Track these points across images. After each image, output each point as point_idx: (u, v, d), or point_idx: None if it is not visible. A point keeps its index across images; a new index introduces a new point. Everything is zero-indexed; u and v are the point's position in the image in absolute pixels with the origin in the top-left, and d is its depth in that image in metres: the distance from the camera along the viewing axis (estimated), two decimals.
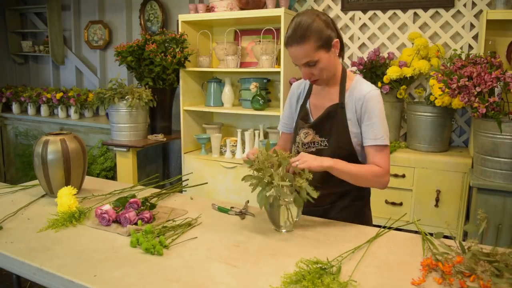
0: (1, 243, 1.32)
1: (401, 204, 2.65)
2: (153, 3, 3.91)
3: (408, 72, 2.67)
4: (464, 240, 1.20)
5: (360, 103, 1.45)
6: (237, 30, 3.32)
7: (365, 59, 2.86)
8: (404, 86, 2.74)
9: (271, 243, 1.35)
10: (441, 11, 2.82)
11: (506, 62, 2.59)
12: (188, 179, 2.09)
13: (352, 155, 1.50)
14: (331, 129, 1.50)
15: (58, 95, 3.96)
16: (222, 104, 3.28)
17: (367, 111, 1.44)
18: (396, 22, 2.96)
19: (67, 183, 1.75)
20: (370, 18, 3.03)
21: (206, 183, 2.21)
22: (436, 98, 2.43)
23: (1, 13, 4.65)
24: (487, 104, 2.03)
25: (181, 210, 1.63)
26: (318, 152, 1.44)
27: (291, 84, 2.93)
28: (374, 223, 1.67)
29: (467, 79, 2.09)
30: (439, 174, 2.52)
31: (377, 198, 2.46)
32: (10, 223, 1.49)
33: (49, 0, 4.27)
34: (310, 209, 1.48)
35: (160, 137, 3.32)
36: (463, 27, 2.78)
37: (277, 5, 2.97)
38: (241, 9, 3.02)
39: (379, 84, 2.78)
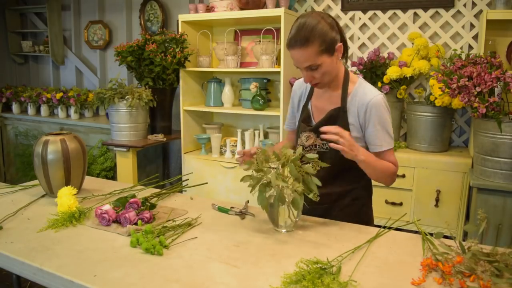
0: (1, 243, 1.32)
1: (401, 204, 2.65)
2: (153, 3, 3.91)
3: (408, 72, 2.68)
4: (464, 240, 1.20)
5: (363, 109, 1.43)
6: (237, 30, 3.32)
7: (365, 59, 2.86)
8: (404, 86, 2.74)
9: (271, 243, 1.35)
10: (441, 11, 2.82)
11: (506, 62, 2.59)
12: (188, 179, 2.09)
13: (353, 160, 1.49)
14: None
15: (58, 95, 3.96)
16: (222, 104, 3.28)
17: (371, 119, 1.43)
18: (396, 22, 2.96)
19: (67, 183, 1.75)
20: (370, 18, 3.03)
21: (206, 183, 2.21)
22: (436, 98, 2.43)
23: (1, 13, 4.65)
24: (487, 104, 2.03)
25: (181, 210, 1.63)
26: (320, 155, 1.41)
27: (291, 84, 2.93)
28: (374, 223, 1.68)
29: (467, 79, 2.09)
30: (439, 174, 2.52)
31: (377, 198, 2.45)
32: (10, 223, 1.49)
33: (49, 0, 4.27)
34: (313, 206, 1.47)
35: (160, 137, 3.32)
36: (463, 27, 2.78)
37: (277, 5, 2.97)
38: (241, 9, 3.02)
39: (379, 84, 2.78)
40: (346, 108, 1.47)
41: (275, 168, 1.38)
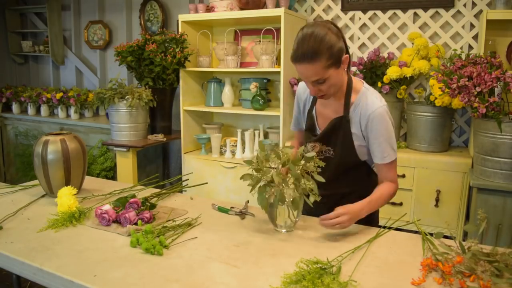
0: (1, 243, 1.32)
1: (401, 204, 2.65)
2: (153, 3, 3.91)
3: (408, 72, 2.67)
4: (464, 240, 1.20)
5: (365, 121, 1.44)
6: (237, 30, 3.32)
7: (365, 59, 2.86)
8: (404, 86, 2.74)
9: (271, 243, 1.35)
10: (441, 11, 2.82)
11: (506, 62, 2.59)
12: (188, 179, 2.09)
13: (358, 163, 1.55)
14: (336, 141, 1.52)
15: (58, 95, 3.95)
16: (222, 104, 3.28)
17: (373, 131, 1.43)
18: (396, 22, 2.96)
19: (67, 183, 1.75)
20: (370, 18, 3.03)
21: (206, 183, 2.21)
22: (436, 98, 2.43)
23: (1, 13, 4.65)
24: (487, 104, 2.03)
25: (181, 210, 1.63)
26: (326, 161, 1.42)
27: (291, 84, 2.93)
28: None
29: (467, 79, 2.09)
30: (439, 174, 2.52)
31: None
32: (10, 223, 1.49)
33: (49, 0, 4.27)
34: (317, 205, 1.45)
35: (160, 137, 3.32)
36: (463, 27, 2.78)
37: (277, 5, 2.97)
38: (241, 9, 3.02)
39: (379, 84, 2.78)
40: (349, 117, 1.48)
41: (275, 168, 1.38)
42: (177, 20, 3.23)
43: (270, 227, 1.47)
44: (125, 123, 3.19)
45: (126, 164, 3.21)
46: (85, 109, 4.09)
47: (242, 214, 1.60)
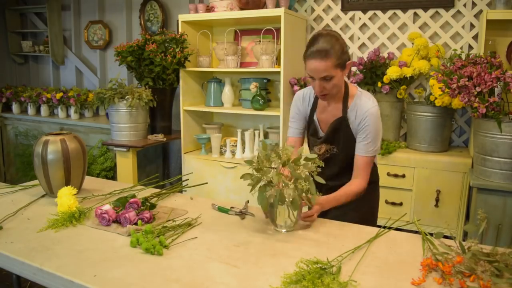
0: (1, 243, 1.32)
1: (401, 204, 2.65)
2: (153, 3, 3.91)
3: (408, 72, 2.67)
4: (464, 240, 1.20)
5: (359, 120, 1.61)
6: (237, 30, 3.32)
7: (365, 59, 2.86)
8: (404, 86, 2.74)
9: (271, 243, 1.35)
10: (441, 11, 2.82)
11: (506, 62, 2.59)
12: (188, 179, 2.09)
13: None
14: (339, 139, 1.67)
15: (58, 95, 3.95)
16: (222, 104, 3.28)
17: (364, 128, 1.60)
18: (396, 22, 2.96)
19: (67, 183, 1.75)
20: (370, 18, 3.03)
21: (206, 183, 2.21)
22: (436, 98, 2.43)
23: (1, 13, 4.65)
24: (487, 104, 2.03)
25: (181, 210, 1.63)
26: (332, 157, 1.62)
27: (291, 84, 2.93)
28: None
29: (467, 79, 2.09)
30: (439, 174, 2.52)
31: None
32: (10, 223, 1.49)
33: (49, 0, 4.27)
34: (327, 193, 1.58)
35: (160, 137, 3.32)
36: (463, 27, 2.78)
37: (277, 5, 2.97)
38: (241, 9, 3.02)
39: (379, 84, 2.78)
40: (347, 117, 1.64)
41: (275, 168, 1.38)
42: (177, 20, 3.23)
43: (270, 227, 1.47)
44: (125, 123, 3.19)
45: (126, 164, 3.21)
46: (85, 109, 4.09)
47: (242, 214, 1.60)
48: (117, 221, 1.48)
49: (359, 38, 3.10)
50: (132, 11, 4.14)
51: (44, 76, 4.91)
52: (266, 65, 2.93)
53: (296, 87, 2.90)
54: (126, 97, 3.11)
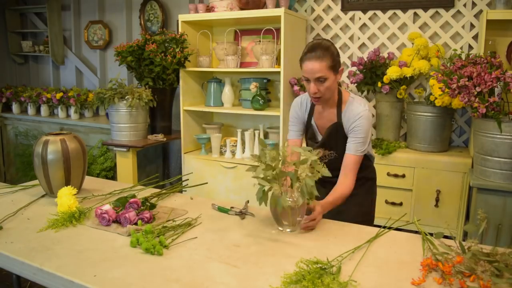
0: (1, 243, 1.32)
1: (401, 204, 2.65)
2: (153, 3, 3.91)
3: (408, 72, 2.67)
4: (464, 240, 1.20)
5: (351, 122, 1.70)
6: (237, 30, 3.32)
7: (365, 59, 2.86)
8: (404, 86, 2.74)
9: (271, 243, 1.35)
10: (441, 11, 2.82)
11: (506, 62, 2.59)
12: (188, 179, 2.10)
13: None
14: (336, 143, 1.75)
15: (58, 95, 3.95)
16: (222, 104, 3.28)
17: (355, 130, 1.69)
18: (396, 22, 2.96)
19: (67, 183, 1.75)
20: (370, 18, 3.03)
21: (206, 183, 2.21)
22: (436, 98, 2.43)
23: (1, 13, 4.65)
24: (487, 104, 2.03)
25: (181, 210, 1.63)
26: (332, 162, 1.68)
27: (291, 84, 2.93)
28: (374, 223, 1.82)
29: (467, 79, 2.09)
30: (439, 174, 2.52)
31: (377, 198, 2.46)
32: (10, 223, 1.49)
33: (49, 0, 4.27)
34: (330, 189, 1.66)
35: (160, 137, 3.32)
36: (463, 27, 2.78)
37: (277, 5, 2.97)
38: (241, 9, 3.02)
39: (379, 84, 2.78)
40: (342, 122, 1.73)
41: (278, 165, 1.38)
42: (177, 20, 3.23)
43: (270, 227, 1.47)
44: (125, 123, 3.19)
45: (126, 164, 3.21)
46: (85, 109, 4.09)
47: (242, 214, 1.60)
48: (117, 221, 1.48)
49: (359, 38, 3.10)
50: (132, 11, 4.13)
51: (44, 76, 4.91)
52: (266, 65, 2.93)
53: (296, 87, 2.90)
54: (126, 97, 3.11)
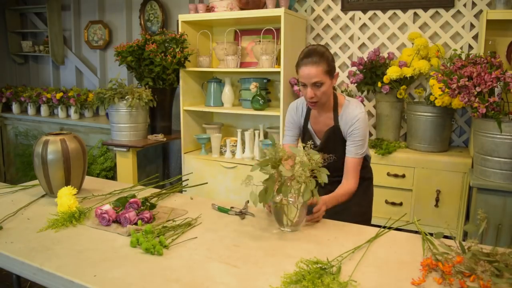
0: (1, 243, 1.32)
1: (401, 204, 2.65)
2: (153, 3, 3.91)
3: (408, 72, 2.67)
4: (464, 240, 1.20)
5: (349, 125, 1.72)
6: (237, 30, 3.32)
7: (365, 59, 2.86)
8: (404, 86, 2.74)
9: (271, 243, 1.35)
10: (441, 11, 2.82)
11: (506, 62, 2.59)
12: (188, 179, 2.10)
13: None
14: (335, 147, 1.75)
15: (58, 95, 3.95)
16: (222, 104, 3.28)
17: (353, 133, 1.71)
18: (396, 22, 2.96)
19: (67, 183, 1.75)
20: (370, 18, 3.03)
21: (206, 183, 2.21)
22: (436, 98, 2.43)
23: (1, 13, 4.65)
24: (487, 104, 2.03)
25: (181, 210, 1.63)
26: (332, 165, 1.67)
27: (291, 84, 2.93)
28: (374, 223, 1.81)
29: (467, 79, 2.09)
30: (439, 174, 2.52)
31: (377, 198, 2.45)
32: (10, 223, 1.49)
33: (49, 0, 4.27)
34: (330, 189, 1.68)
35: (160, 137, 3.32)
36: (463, 27, 2.78)
37: (277, 5, 2.97)
38: (241, 9, 3.02)
39: (379, 84, 2.78)
40: (339, 125, 1.75)
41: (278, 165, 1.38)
42: (177, 20, 3.23)
43: (270, 227, 1.47)
44: (125, 123, 3.19)
45: (126, 164, 3.21)
46: (85, 109, 4.09)
47: (242, 214, 1.60)
48: (117, 221, 1.48)
49: (359, 38, 3.10)
50: (132, 11, 4.14)
51: (44, 76, 4.91)
52: (266, 65, 2.93)
53: (296, 87, 2.90)
54: (126, 97, 3.11)
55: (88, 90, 4.15)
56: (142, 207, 1.55)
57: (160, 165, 3.92)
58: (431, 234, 1.33)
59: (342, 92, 3.00)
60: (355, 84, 2.93)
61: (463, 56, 2.41)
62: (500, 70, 2.04)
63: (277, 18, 2.81)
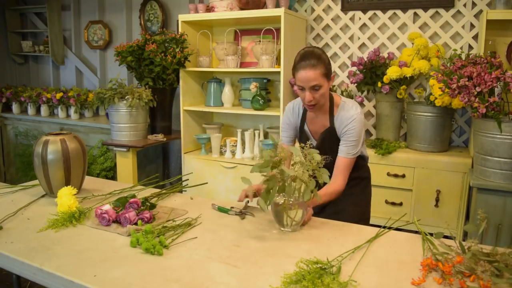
0: (1, 243, 1.32)
1: (401, 204, 2.65)
2: (153, 3, 3.91)
3: (408, 72, 2.67)
4: (464, 240, 1.20)
5: (344, 125, 1.72)
6: (237, 30, 3.32)
7: (365, 59, 2.86)
8: (404, 86, 2.74)
9: (271, 243, 1.35)
10: (441, 11, 2.82)
11: (506, 62, 2.59)
12: (188, 179, 2.10)
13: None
14: (331, 148, 1.75)
15: (58, 95, 3.95)
16: (222, 104, 3.28)
17: (347, 133, 1.71)
18: (396, 22, 2.96)
19: (67, 183, 1.75)
20: (370, 18, 3.03)
21: (206, 183, 2.21)
22: (436, 98, 2.43)
23: (1, 13, 4.65)
24: (487, 104, 2.03)
25: (181, 210, 1.63)
26: (326, 166, 1.66)
27: (291, 84, 2.93)
28: (374, 223, 1.81)
29: (467, 79, 2.09)
30: (439, 174, 2.52)
31: (377, 198, 2.46)
32: (10, 223, 1.49)
33: (49, 0, 4.27)
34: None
35: (160, 137, 3.32)
36: (463, 27, 2.78)
37: (277, 5, 2.97)
38: (241, 9, 3.02)
39: (379, 84, 2.78)
40: (334, 126, 1.76)
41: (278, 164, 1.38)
42: (177, 20, 3.23)
43: (270, 227, 1.47)
44: (125, 123, 3.19)
45: (126, 164, 3.21)
46: (85, 109, 4.09)
47: (242, 214, 1.60)
48: (117, 221, 1.48)
49: (359, 38, 3.10)
50: (132, 11, 4.14)
51: (44, 76, 4.91)
52: (266, 65, 2.93)
53: (296, 87, 2.90)
54: (126, 97, 3.11)
55: (88, 90, 4.15)
56: (142, 207, 1.55)
57: (160, 165, 3.92)
58: (431, 234, 1.33)
59: (342, 92, 3.00)
60: (355, 84, 2.93)
61: (463, 56, 2.41)
62: (500, 70, 2.04)
63: (277, 18, 2.81)
